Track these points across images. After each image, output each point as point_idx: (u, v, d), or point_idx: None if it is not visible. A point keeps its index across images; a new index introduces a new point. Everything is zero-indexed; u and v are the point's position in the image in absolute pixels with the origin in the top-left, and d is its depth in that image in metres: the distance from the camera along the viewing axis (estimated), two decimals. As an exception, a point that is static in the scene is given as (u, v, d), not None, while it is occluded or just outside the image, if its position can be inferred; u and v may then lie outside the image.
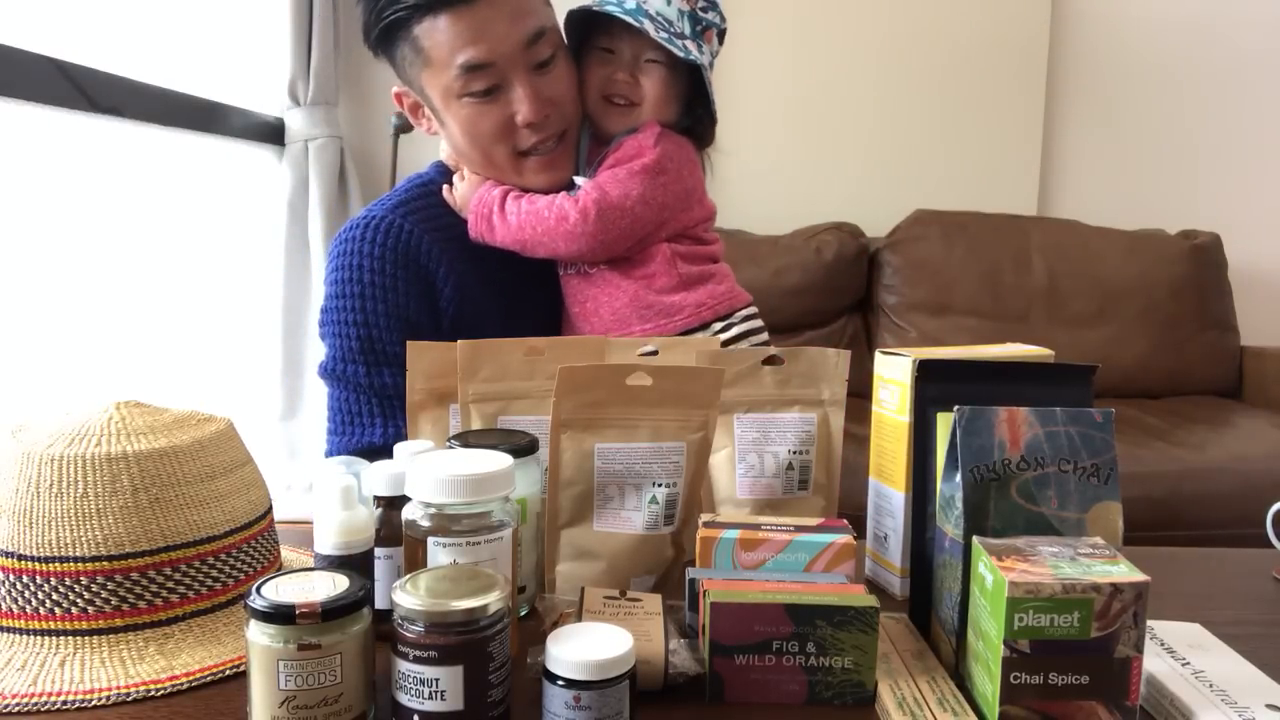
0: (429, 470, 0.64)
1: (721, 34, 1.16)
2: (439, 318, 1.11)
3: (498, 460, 0.66)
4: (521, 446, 0.75)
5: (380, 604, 0.71)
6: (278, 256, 2.39)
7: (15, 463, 0.69)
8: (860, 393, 1.10)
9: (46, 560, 0.67)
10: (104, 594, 0.68)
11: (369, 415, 1.11)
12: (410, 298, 1.10)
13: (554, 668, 0.57)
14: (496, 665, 0.57)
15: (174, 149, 1.94)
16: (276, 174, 2.42)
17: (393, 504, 0.72)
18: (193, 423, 0.76)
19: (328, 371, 1.13)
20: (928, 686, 0.65)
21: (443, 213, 1.16)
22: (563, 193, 1.10)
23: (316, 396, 2.40)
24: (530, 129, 1.09)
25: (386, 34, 1.08)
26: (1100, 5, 2.83)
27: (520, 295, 1.18)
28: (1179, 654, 0.69)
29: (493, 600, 0.56)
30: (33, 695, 0.63)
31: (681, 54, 1.08)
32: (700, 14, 1.11)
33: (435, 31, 1.05)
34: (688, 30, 1.10)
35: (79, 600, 0.67)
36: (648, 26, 1.06)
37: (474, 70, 1.06)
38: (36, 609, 0.68)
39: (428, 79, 1.09)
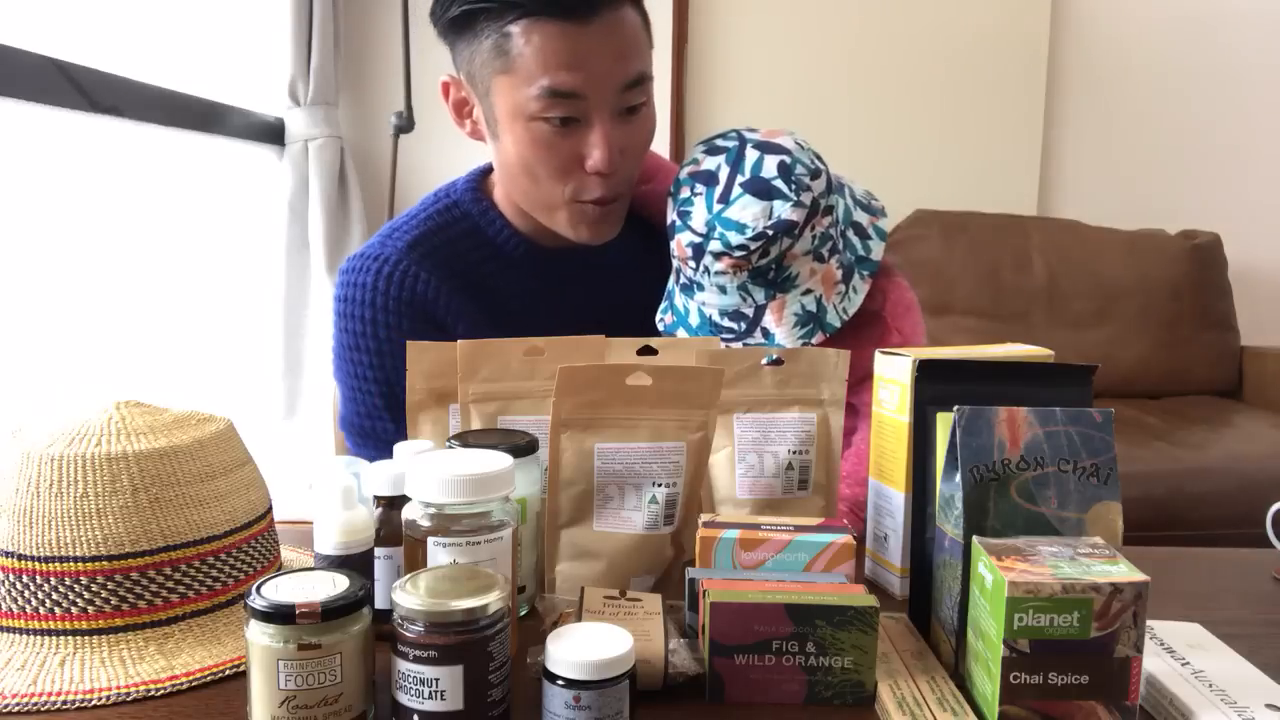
0: (429, 470, 0.64)
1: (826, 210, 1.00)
2: None
3: (498, 460, 0.67)
4: (521, 446, 0.75)
5: (380, 604, 0.71)
6: (278, 256, 2.39)
7: (15, 463, 0.69)
8: (860, 393, 1.10)
9: (46, 560, 0.67)
10: (104, 594, 0.68)
11: None
12: None
13: (554, 667, 0.57)
14: (496, 665, 0.57)
15: (174, 149, 1.94)
16: (276, 174, 2.42)
17: (393, 504, 0.72)
18: (193, 423, 0.76)
19: (351, 426, 1.07)
20: (928, 686, 0.65)
21: (466, 250, 1.06)
22: (904, 293, 1.06)
23: (317, 396, 2.40)
24: (598, 178, 0.99)
25: (467, 19, 0.95)
26: (1100, 5, 2.83)
27: (530, 328, 1.14)
28: (1179, 654, 0.69)
29: (493, 600, 0.56)
30: (33, 695, 0.64)
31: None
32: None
33: (531, 39, 0.92)
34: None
35: (79, 600, 0.68)
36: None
37: (559, 97, 0.94)
38: (36, 609, 0.68)
39: (501, 85, 0.96)
